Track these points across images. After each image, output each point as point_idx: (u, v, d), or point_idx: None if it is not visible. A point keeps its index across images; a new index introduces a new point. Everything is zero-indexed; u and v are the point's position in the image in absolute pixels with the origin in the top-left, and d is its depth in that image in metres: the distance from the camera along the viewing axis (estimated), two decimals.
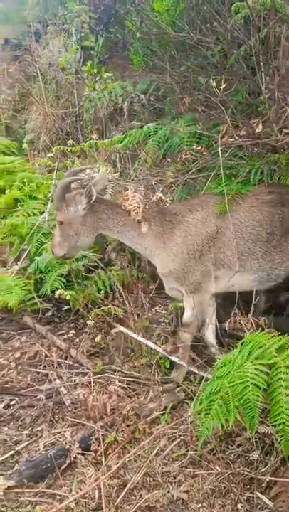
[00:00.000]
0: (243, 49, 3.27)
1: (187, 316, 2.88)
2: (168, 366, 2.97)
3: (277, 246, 2.83)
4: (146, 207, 2.95)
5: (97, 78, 4.88)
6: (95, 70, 4.93)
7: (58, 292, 3.12)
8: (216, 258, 2.83)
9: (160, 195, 2.88)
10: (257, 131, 2.88)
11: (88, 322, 3.08)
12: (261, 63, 3.09)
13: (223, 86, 2.76)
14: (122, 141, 3.87)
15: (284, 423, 1.85)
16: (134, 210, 2.80)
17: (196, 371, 2.81)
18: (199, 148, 3.03)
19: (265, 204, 2.85)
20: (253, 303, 3.03)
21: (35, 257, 3.57)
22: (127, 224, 2.87)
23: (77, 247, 2.99)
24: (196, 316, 2.86)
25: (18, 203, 4.05)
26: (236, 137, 2.90)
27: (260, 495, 2.18)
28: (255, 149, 3.02)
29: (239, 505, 2.16)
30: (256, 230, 2.81)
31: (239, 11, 3.26)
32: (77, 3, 6.60)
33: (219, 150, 2.84)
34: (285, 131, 2.79)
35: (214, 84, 2.74)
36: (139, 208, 2.82)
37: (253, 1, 3.09)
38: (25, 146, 4.94)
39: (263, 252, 2.82)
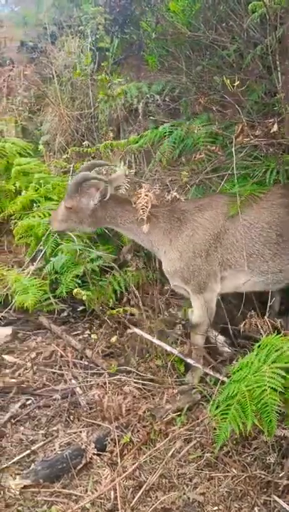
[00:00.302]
0: (259, 48, 3.25)
1: (196, 316, 2.87)
2: (182, 370, 2.97)
3: (287, 248, 2.80)
4: (158, 205, 2.94)
5: (109, 85, 4.88)
6: (109, 77, 4.93)
7: (74, 291, 3.14)
8: (223, 259, 2.82)
9: (175, 193, 2.86)
10: (272, 130, 2.86)
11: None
12: (278, 62, 3.06)
13: (237, 83, 2.74)
14: (137, 142, 3.87)
15: None
16: (142, 209, 2.80)
17: (212, 373, 2.80)
18: (214, 148, 3.02)
19: (276, 206, 2.82)
20: (268, 304, 3.01)
21: (51, 258, 3.59)
22: (135, 222, 2.88)
23: (75, 230, 3.13)
24: (205, 316, 2.84)
25: (34, 204, 4.07)
26: (252, 137, 2.88)
27: (277, 498, 2.16)
28: (271, 149, 3.00)
29: (256, 509, 2.14)
30: (266, 232, 2.79)
31: (256, 10, 3.23)
32: (92, 5, 6.62)
33: (233, 150, 2.82)
34: None
35: (228, 82, 2.71)
36: (146, 207, 2.81)
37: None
38: (41, 147, 4.96)
39: (272, 254, 2.80)
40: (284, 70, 3.00)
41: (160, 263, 3.37)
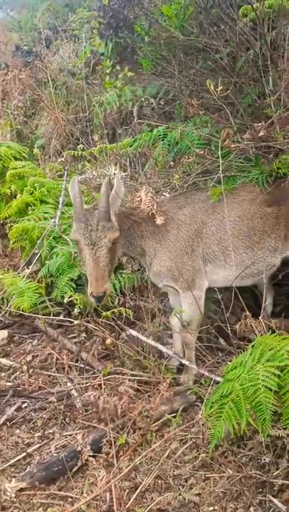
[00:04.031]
0: (252, 52, 3.28)
1: (186, 314, 2.88)
2: (174, 371, 2.99)
3: (258, 241, 2.90)
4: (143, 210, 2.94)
5: (120, 76, 4.90)
6: (118, 67, 4.95)
7: (67, 295, 3.13)
8: (203, 253, 2.87)
9: (167, 195, 2.88)
10: (260, 134, 2.89)
11: (75, 321, 3.05)
12: (269, 66, 3.10)
13: (220, 89, 2.77)
14: (131, 145, 3.88)
15: None
16: (149, 205, 2.80)
17: (206, 373, 2.81)
18: (202, 152, 3.05)
19: (247, 201, 2.92)
20: (263, 305, 3.04)
21: (46, 261, 3.59)
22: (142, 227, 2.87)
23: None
24: (196, 313, 2.86)
25: (29, 208, 4.08)
26: (240, 140, 2.91)
27: (272, 498, 2.16)
28: (259, 152, 3.02)
29: (251, 509, 2.14)
30: (238, 225, 2.87)
31: (247, 13, 3.26)
32: (86, 10, 6.67)
33: (219, 154, 2.86)
34: None
35: (212, 87, 2.75)
36: (153, 204, 2.82)
37: (260, 3, 3.09)
38: (36, 151, 4.98)
39: (245, 246, 2.89)
40: (275, 73, 3.03)
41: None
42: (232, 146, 2.90)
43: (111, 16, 5.90)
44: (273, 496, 2.17)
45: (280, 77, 3.00)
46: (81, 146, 4.16)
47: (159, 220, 2.79)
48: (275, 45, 3.20)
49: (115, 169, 3.35)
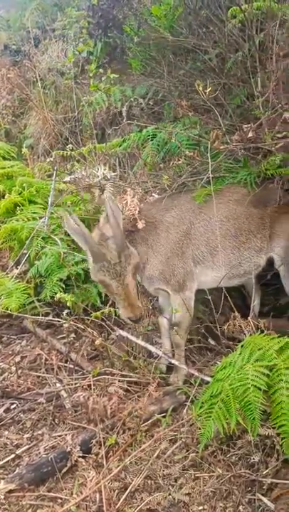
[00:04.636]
0: (241, 53, 3.30)
1: (177, 315, 2.89)
2: (163, 370, 3.00)
3: (244, 241, 2.93)
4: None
5: (103, 78, 4.89)
6: (101, 70, 4.94)
7: (57, 296, 3.12)
8: (193, 255, 2.89)
9: (156, 196, 2.89)
10: (248, 136, 2.91)
11: (64, 325, 3.04)
12: (258, 67, 3.12)
13: (209, 90, 2.79)
14: (120, 145, 3.88)
15: (286, 424, 1.85)
16: (132, 209, 2.81)
17: (196, 373, 2.82)
18: (191, 153, 3.06)
19: (233, 202, 2.95)
20: (252, 305, 3.07)
21: (35, 261, 3.57)
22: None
23: None
24: (186, 314, 2.87)
25: (18, 208, 4.05)
26: (229, 141, 2.93)
27: (261, 497, 2.17)
28: (247, 153, 3.04)
29: (241, 508, 2.15)
30: (225, 225, 2.90)
31: (236, 15, 3.28)
32: (75, 9, 6.64)
33: (209, 155, 2.88)
34: (278, 135, 2.81)
35: (201, 88, 2.76)
36: (136, 208, 2.83)
37: (248, 5, 3.12)
38: (24, 150, 4.94)
39: (232, 246, 2.92)
40: (264, 74, 3.05)
41: None
42: (221, 147, 2.92)
43: (100, 16, 5.88)
44: (262, 495, 2.18)
45: (269, 79, 3.02)
46: (70, 146, 4.14)
47: (140, 224, 2.80)
48: (264, 46, 3.22)
49: (104, 169, 3.34)
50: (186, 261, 2.86)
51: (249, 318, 2.69)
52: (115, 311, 2.88)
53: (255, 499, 2.17)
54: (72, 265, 3.42)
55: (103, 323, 3.10)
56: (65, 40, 6.48)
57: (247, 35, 3.22)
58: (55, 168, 3.99)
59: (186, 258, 2.86)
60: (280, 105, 2.88)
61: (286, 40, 3.01)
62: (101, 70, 4.99)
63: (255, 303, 3.23)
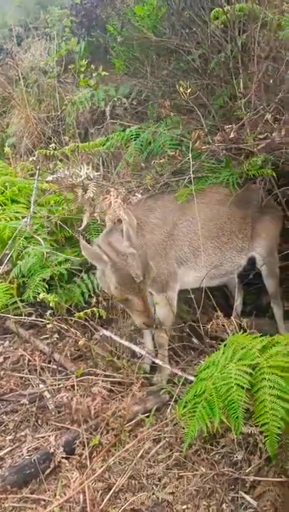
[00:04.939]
0: (223, 54, 3.32)
1: (160, 315, 2.89)
2: (147, 370, 3.00)
3: (225, 242, 2.96)
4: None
5: (94, 75, 4.86)
6: (93, 66, 4.92)
7: (40, 296, 3.09)
8: (176, 256, 2.89)
9: (140, 196, 2.89)
10: (231, 136, 2.94)
11: (48, 325, 3.03)
12: (240, 69, 3.14)
13: (189, 91, 2.81)
14: (104, 145, 3.87)
15: (268, 423, 1.86)
16: (116, 209, 2.80)
17: (180, 373, 2.83)
18: (173, 153, 3.08)
19: (214, 202, 2.97)
20: (234, 305, 3.09)
21: (18, 262, 3.54)
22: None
23: None
24: (169, 314, 2.87)
25: (0, 207, 4.00)
26: (211, 141, 2.95)
27: (244, 495, 2.19)
28: (229, 154, 3.07)
29: (224, 506, 2.17)
30: (207, 226, 2.91)
31: (218, 16, 3.30)
32: (58, 8, 6.61)
33: (190, 156, 2.89)
34: (260, 136, 2.84)
35: (181, 90, 2.78)
36: (120, 207, 2.82)
37: (231, 7, 3.14)
38: (7, 149, 4.89)
39: (214, 247, 2.95)
40: (246, 75, 3.08)
41: None
42: (203, 147, 2.94)
43: (83, 15, 5.87)
44: (245, 493, 2.20)
45: (251, 80, 3.05)
46: (53, 145, 4.12)
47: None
48: (246, 48, 3.25)
49: (87, 169, 3.32)
50: (169, 262, 2.86)
51: (232, 317, 2.71)
52: (99, 311, 2.88)
53: (238, 497, 2.19)
54: (56, 265, 3.39)
55: (87, 324, 3.09)
56: (48, 39, 6.43)
57: (229, 37, 3.24)
58: (38, 167, 3.96)
59: (169, 259, 2.86)
60: (261, 106, 2.91)
61: (267, 42, 3.03)
62: (92, 66, 4.97)
63: (237, 302, 3.26)
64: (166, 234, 2.86)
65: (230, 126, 2.97)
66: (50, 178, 3.66)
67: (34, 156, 4.50)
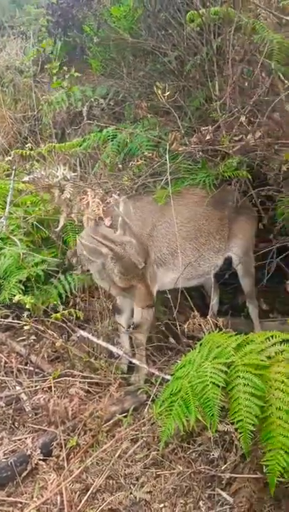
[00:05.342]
0: (199, 56, 3.35)
1: (138, 316, 2.90)
2: (125, 370, 3.01)
3: (204, 243, 2.99)
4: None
5: (67, 76, 4.85)
6: (65, 68, 4.90)
7: (16, 298, 3.06)
8: (155, 257, 2.91)
9: (116, 197, 2.89)
10: (207, 138, 2.97)
11: (25, 327, 3.01)
12: (215, 71, 3.18)
13: (168, 93, 2.84)
14: (81, 145, 3.86)
15: (243, 420, 1.88)
16: (96, 209, 2.80)
17: (157, 372, 2.84)
18: (150, 154, 3.10)
19: (192, 203, 3.00)
20: (211, 304, 3.12)
21: None
22: None
23: None
24: (147, 315, 2.88)
25: None
26: (188, 143, 2.98)
27: (220, 491, 2.23)
28: (205, 155, 3.10)
29: (201, 503, 2.19)
30: (185, 227, 2.94)
31: (194, 19, 3.33)
32: (34, 7, 6.55)
33: (167, 157, 2.92)
34: (235, 138, 2.88)
35: (159, 91, 2.81)
36: (98, 207, 2.83)
37: (206, 10, 3.17)
38: None
39: (192, 248, 2.97)
40: (221, 78, 3.12)
41: None
42: (180, 149, 2.96)
43: (59, 15, 5.83)
44: (222, 490, 2.23)
45: (226, 82, 3.09)
46: (29, 145, 4.09)
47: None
48: (221, 50, 3.29)
49: (64, 169, 3.31)
50: (150, 263, 2.86)
51: (208, 317, 2.74)
52: (76, 312, 2.87)
53: (214, 494, 2.23)
54: (32, 266, 3.36)
55: (64, 325, 3.08)
56: (24, 38, 6.38)
57: (205, 39, 3.28)
58: (14, 167, 3.93)
59: (149, 260, 2.87)
60: (236, 109, 2.95)
61: (242, 45, 3.08)
62: (65, 68, 4.95)
63: (214, 302, 3.29)
64: (146, 235, 2.87)
65: (206, 128, 3.00)
66: (26, 178, 3.62)
67: (10, 156, 4.46)
